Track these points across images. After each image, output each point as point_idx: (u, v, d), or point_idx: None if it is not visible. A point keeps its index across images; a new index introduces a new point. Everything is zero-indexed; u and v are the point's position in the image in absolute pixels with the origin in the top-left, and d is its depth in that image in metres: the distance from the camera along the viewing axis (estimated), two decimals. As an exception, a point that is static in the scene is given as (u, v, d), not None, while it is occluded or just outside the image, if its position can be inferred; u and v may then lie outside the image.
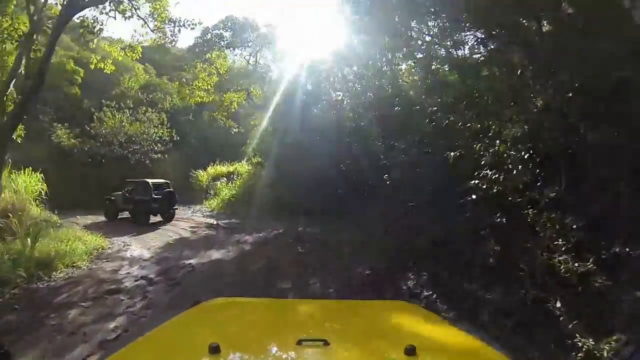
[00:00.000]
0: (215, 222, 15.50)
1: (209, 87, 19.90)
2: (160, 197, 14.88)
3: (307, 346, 1.25)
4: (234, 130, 25.62)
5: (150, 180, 15.59)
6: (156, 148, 24.75)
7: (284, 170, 14.96)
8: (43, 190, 13.68)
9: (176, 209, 16.20)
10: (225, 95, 21.47)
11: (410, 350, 1.18)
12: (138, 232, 13.87)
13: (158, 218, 16.36)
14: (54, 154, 22.83)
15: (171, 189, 15.75)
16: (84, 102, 25.67)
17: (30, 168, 14.14)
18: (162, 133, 25.51)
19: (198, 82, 19.69)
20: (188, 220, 16.69)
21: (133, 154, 23.79)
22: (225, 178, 23.47)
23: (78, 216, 15.40)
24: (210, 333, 1.44)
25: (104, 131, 23.60)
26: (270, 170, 16.28)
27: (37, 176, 13.75)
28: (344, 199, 12.19)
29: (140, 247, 11.09)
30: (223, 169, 25.00)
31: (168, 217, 15.66)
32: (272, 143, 16.16)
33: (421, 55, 9.22)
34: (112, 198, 15.61)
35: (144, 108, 26.17)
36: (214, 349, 1.17)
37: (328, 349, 1.23)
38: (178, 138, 26.20)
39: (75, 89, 27.01)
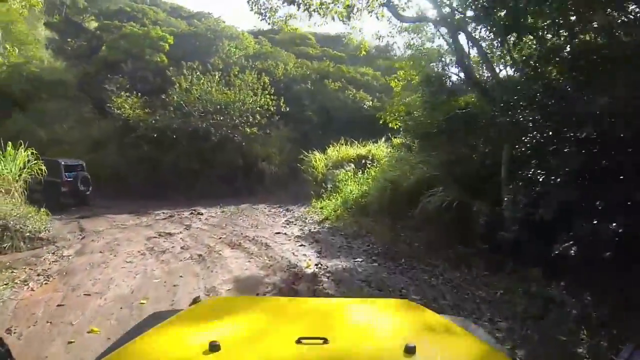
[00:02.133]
0: (312, 265, 6.98)
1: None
2: (71, 180, 13.37)
3: (306, 344, 1.20)
4: (367, 103, 21.35)
5: (62, 160, 13.80)
6: (253, 120, 17.00)
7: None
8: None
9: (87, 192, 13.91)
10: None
11: (411, 349, 1.15)
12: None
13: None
14: (118, 130, 16.82)
15: (86, 173, 14.10)
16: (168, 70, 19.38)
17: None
18: (263, 102, 17.70)
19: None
20: (258, 243, 8.68)
21: (217, 127, 16.32)
22: (352, 164, 15.95)
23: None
24: (210, 331, 1.38)
25: (181, 100, 16.63)
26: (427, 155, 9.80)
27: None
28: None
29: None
30: (350, 151, 17.11)
31: (78, 203, 13.61)
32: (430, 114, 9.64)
33: None
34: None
35: (236, 69, 18.77)
36: (214, 347, 1.16)
37: (328, 348, 1.20)
38: (288, 109, 18.10)
39: (161, 56, 21.50)
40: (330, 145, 17.28)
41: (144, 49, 21.90)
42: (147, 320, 1.82)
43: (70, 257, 7.33)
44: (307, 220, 11.96)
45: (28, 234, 8.37)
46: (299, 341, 1.21)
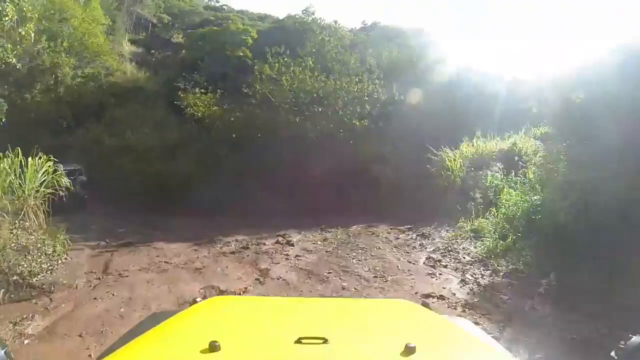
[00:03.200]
0: None
1: None
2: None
3: (306, 344, 1.21)
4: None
5: (61, 165, 10.70)
6: (362, 111, 12.52)
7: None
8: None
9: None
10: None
11: (411, 349, 1.16)
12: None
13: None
14: (193, 133, 13.41)
15: (84, 177, 13.26)
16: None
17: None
18: (371, 89, 13.17)
19: None
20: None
21: (316, 122, 12.02)
22: (500, 163, 11.84)
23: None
24: (210, 331, 1.38)
25: (267, 91, 12.77)
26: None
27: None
28: None
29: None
30: (491, 145, 12.67)
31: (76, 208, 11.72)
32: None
33: None
34: None
35: (334, 51, 14.50)
36: (214, 347, 1.15)
37: (327, 348, 1.21)
38: (402, 97, 13.42)
39: (244, 51, 18.38)
40: (464, 140, 12.63)
41: (224, 45, 18.99)
42: (147, 320, 1.82)
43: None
44: (461, 258, 7.59)
45: (15, 277, 5.24)
46: (298, 341, 1.21)
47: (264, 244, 8.50)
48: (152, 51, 25.05)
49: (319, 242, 8.79)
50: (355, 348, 1.27)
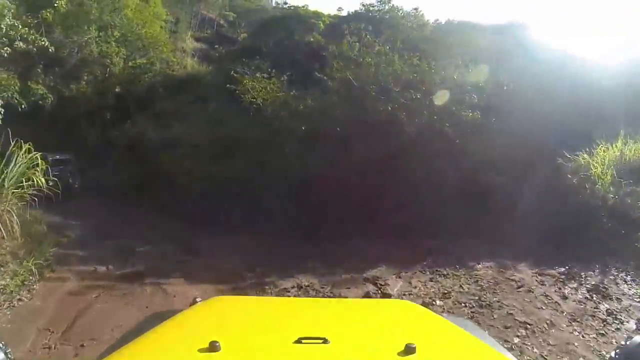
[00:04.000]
0: None
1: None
2: (57, 174, 10.25)
3: (306, 344, 1.22)
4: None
5: (50, 155, 11.33)
6: (470, 100, 9.04)
7: None
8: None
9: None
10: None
11: (410, 349, 1.16)
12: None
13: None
14: (251, 125, 10.75)
15: (72, 167, 13.41)
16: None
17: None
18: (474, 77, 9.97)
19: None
20: None
21: (413, 113, 8.74)
22: None
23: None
24: (210, 331, 1.42)
25: (347, 74, 9.74)
26: None
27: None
28: None
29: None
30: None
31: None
32: None
33: None
34: None
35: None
36: (214, 347, 1.16)
37: (328, 348, 1.21)
38: (511, 86, 9.72)
39: (314, 36, 15.84)
40: (600, 141, 9.08)
41: (292, 31, 16.52)
42: (147, 320, 1.80)
43: None
44: None
45: None
46: (299, 341, 1.20)
47: (345, 296, 5.27)
48: (216, 46, 23.35)
49: (436, 301, 5.40)
50: (355, 348, 1.26)
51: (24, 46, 11.40)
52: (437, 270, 6.53)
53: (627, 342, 1.22)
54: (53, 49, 12.22)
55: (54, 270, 4.84)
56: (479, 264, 6.96)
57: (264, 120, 11.15)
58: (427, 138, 9.12)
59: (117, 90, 15.40)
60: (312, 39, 15.61)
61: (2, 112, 11.57)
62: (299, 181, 9.33)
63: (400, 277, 6.16)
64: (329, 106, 10.07)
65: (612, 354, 1.33)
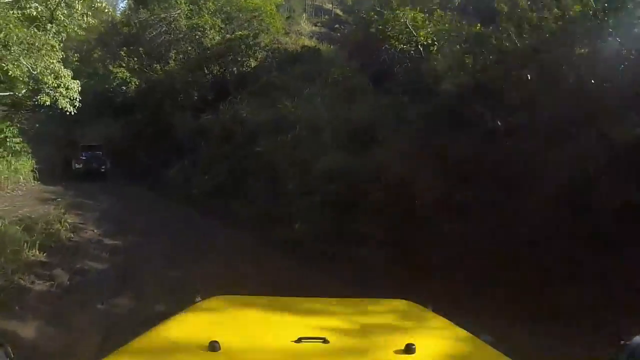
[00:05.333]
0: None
1: None
2: (84, 158, 15.64)
3: (306, 344, 1.19)
4: None
5: (82, 142, 16.18)
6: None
7: None
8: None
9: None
10: None
11: (410, 349, 1.13)
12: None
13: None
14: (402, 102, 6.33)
15: (99, 153, 15.73)
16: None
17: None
18: None
19: None
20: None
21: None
22: None
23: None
24: (210, 331, 1.33)
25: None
26: None
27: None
28: None
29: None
30: None
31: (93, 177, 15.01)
32: None
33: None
34: None
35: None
36: (214, 347, 1.12)
37: (327, 347, 1.19)
38: None
39: None
40: None
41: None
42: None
43: None
44: None
45: None
46: (299, 341, 1.21)
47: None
48: (336, 26, 20.44)
49: None
50: (355, 348, 1.26)
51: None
52: None
53: (629, 343, 1.15)
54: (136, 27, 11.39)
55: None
56: None
57: (421, 93, 6.73)
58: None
59: (211, 67, 12.69)
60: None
61: (77, 103, 10.30)
62: (488, 188, 4.71)
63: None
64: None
65: (615, 353, 1.24)
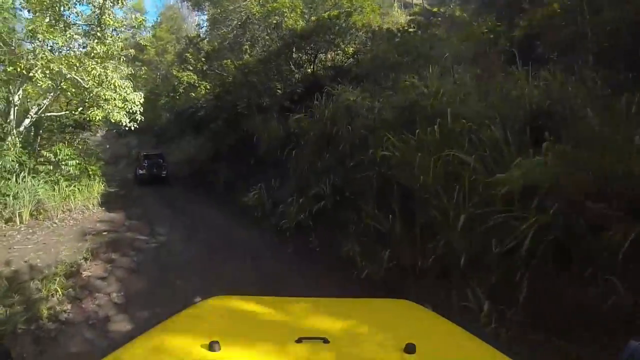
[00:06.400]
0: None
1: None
2: (146, 165, 16.76)
3: (306, 344, 1.22)
4: None
5: (144, 151, 18.12)
6: None
7: None
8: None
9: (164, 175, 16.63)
10: None
11: (411, 348, 1.15)
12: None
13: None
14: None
15: (160, 160, 17.14)
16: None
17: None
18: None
19: None
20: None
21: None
22: None
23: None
24: (210, 330, 1.40)
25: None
26: None
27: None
28: None
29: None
30: None
31: (153, 181, 16.40)
32: None
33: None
34: None
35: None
36: (214, 347, 1.16)
37: (328, 347, 1.21)
38: None
39: None
40: None
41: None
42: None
43: None
44: None
45: None
46: (299, 341, 1.21)
47: None
48: (431, 18, 17.15)
49: None
50: (355, 348, 1.26)
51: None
52: None
53: (626, 346, 1.13)
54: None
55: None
56: None
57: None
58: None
59: (296, 56, 10.26)
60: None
61: (138, 116, 9.76)
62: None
63: None
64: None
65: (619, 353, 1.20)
